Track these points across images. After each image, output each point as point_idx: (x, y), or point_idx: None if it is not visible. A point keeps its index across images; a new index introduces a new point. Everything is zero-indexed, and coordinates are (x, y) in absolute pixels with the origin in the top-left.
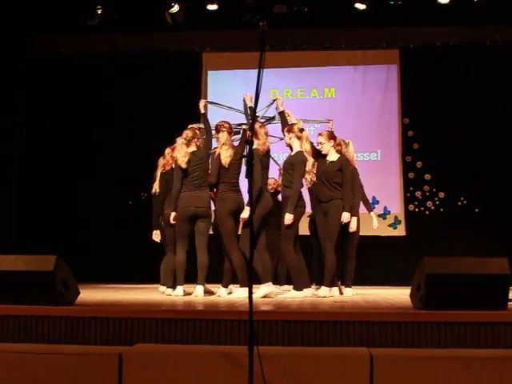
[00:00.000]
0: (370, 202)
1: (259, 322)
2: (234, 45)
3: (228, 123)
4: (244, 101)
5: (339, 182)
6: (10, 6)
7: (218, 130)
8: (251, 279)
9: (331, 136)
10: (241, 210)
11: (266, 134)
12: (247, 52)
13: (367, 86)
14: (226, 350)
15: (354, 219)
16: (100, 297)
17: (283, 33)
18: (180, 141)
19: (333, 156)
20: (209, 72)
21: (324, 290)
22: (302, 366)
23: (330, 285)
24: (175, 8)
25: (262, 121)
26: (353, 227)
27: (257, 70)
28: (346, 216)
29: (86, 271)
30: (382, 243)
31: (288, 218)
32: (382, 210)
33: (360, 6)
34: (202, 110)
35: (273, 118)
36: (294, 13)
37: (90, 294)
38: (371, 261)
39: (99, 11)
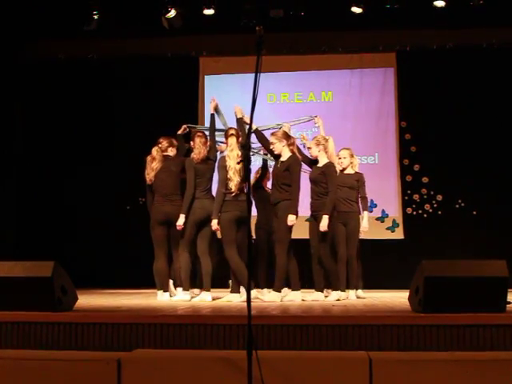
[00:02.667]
0: (368, 205)
1: (258, 326)
2: (231, 49)
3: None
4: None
5: (287, 183)
6: (6, 11)
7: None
8: (250, 282)
9: (284, 136)
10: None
11: (203, 144)
12: (244, 56)
13: (364, 90)
14: (225, 354)
15: (325, 218)
16: (98, 302)
17: (280, 37)
18: (148, 158)
19: (285, 156)
20: (206, 76)
21: (272, 295)
22: (301, 370)
23: (279, 289)
24: (172, 13)
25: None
26: (323, 226)
27: (254, 75)
28: (290, 219)
29: (84, 277)
30: (380, 246)
31: (291, 220)
32: (379, 213)
33: (356, 10)
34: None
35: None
36: (291, 17)
37: (88, 300)
38: (369, 264)
39: (96, 16)
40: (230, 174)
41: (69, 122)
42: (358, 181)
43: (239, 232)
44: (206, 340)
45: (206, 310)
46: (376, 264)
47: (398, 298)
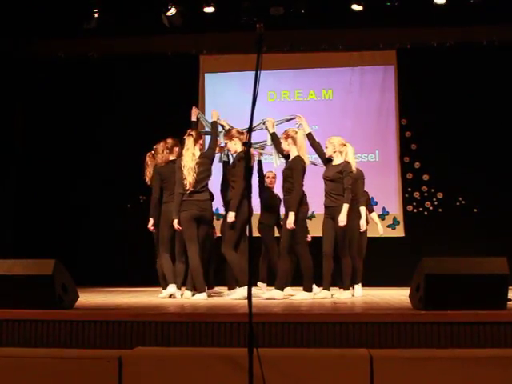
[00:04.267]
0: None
1: (258, 324)
2: (231, 47)
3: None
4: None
5: (235, 180)
6: (7, 10)
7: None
8: (251, 281)
9: (235, 134)
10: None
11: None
12: (244, 54)
13: (364, 87)
14: (226, 352)
15: (291, 215)
16: (99, 300)
17: (280, 34)
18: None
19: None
20: (206, 74)
21: (274, 293)
22: (302, 368)
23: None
24: (172, 11)
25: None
26: (289, 223)
27: (254, 72)
28: (229, 216)
29: (85, 275)
30: (381, 244)
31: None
32: (380, 210)
33: (357, 7)
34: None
35: (265, 142)
36: (291, 14)
37: (89, 298)
38: (370, 262)
39: (96, 14)
40: (185, 173)
41: (69, 120)
42: (341, 172)
43: (200, 230)
44: (207, 338)
45: (207, 307)
46: (376, 261)
47: (399, 296)
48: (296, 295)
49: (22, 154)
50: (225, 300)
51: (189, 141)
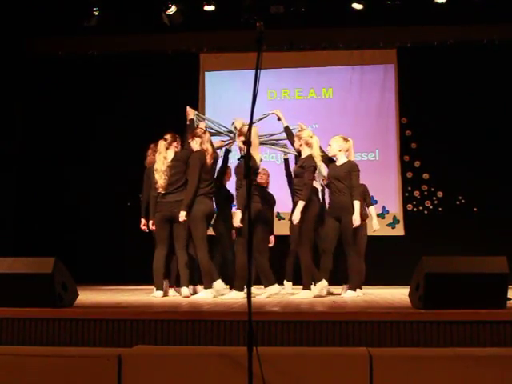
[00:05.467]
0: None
1: (258, 322)
2: (231, 45)
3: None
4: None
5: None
6: (7, 8)
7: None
8: (250, 280)
9: (195, 134)
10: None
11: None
12: (244, 53)
13: (365, 86)
14: (225, 351)
15: (237, 213)
16: (99, 299)
17: (280, 33)
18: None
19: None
20: (206, 73)
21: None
22: (302, 367)
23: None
24: (172, 9)
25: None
26: (235, 222)
27: (254, 71)
28: (180, 214)
29: (84, 273)
30: (381, 243)
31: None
32: (380, 209)
33: (357, 6)
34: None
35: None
36: (291, 13)
37: (88, 296)
38: (370, 260)
39: (96, 13)
40: (157, 176)
41: (68, 119)
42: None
43: (175, 229)
44: (207, 336)
45: (207, 306)
46: (376, 260)
47: (399, 295)
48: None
49: (22, 152)
50: (223, 299)
51: (161, 145)
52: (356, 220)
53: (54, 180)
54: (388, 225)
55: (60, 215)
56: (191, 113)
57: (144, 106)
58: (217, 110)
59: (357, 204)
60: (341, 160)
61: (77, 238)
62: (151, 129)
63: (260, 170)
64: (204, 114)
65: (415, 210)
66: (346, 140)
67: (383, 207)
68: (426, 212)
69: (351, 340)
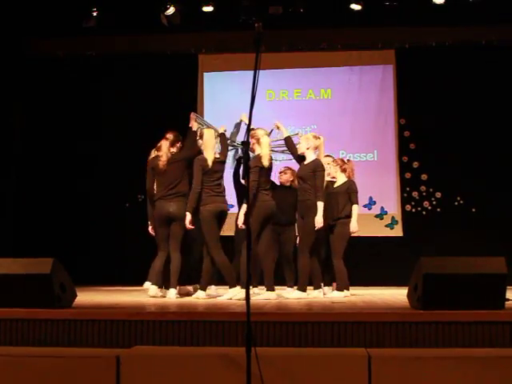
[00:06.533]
0: (367, 202)
1: (257, 323)
2: (230, 46)
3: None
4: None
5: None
6: (5, 9)
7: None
8: (249, 280)
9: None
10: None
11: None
12: (243, 53)
13: (363, 87)
14: (224, 351)
15: (241, 212)
16: (97, 299)
17: (279, 34)
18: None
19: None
20: (205, 74)
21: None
22: (300, 367)
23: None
24: (171, 10)
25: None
26: (239, 222)
27: (253, 72)
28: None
29: (83, 274)
30: (379, 243)
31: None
32: (378, 210)
33: (355, 7)
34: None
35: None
36: (290, 14)
37: (87, 297)
38: (368, 261)
39: (95, 13)
40: (159, 177)
41: (68, 119)
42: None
43: (173, 228)
44: (205, 337)
45: (205, 306)
46: (375, 261)
47: (397, 295)
48: (291, 294)
49: (21, 153)
50: (222, 299)
51: (164, 145)
52: (318, 221)
53: (54, 180)
54: (386, 225)
55: (59, 215)
56: (194, 125)
57: (143, 106)
58: (215, 111)
59: (320, 205)
60: (308, 158)
61: (75, 238)
62: (150, 129)
63: (283, 169)
64: (203, 115)
65: (414, 210)
66: (316, 138)
67: (382, 208)
68: (424, 213)
69: (350, 341)
